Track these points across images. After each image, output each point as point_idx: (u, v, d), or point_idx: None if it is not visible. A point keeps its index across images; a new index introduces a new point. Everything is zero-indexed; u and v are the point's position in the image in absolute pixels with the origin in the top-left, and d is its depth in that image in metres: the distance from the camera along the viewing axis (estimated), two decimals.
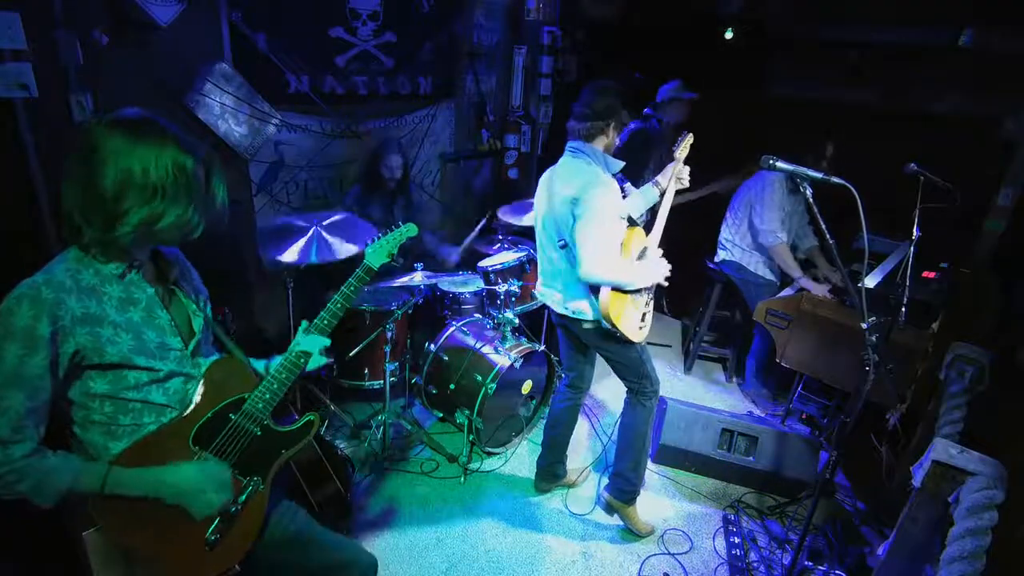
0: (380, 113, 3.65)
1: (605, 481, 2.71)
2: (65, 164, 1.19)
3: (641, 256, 2.30)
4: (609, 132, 2.18)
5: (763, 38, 4.88)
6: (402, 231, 1.71)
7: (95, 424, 1.27)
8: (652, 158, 3.91)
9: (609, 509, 2.63)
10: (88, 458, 1.26)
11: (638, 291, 2.20)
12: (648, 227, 2.38)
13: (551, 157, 4.68)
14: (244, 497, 1.37)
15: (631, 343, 2.25)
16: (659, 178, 2.39)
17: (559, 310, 2.34)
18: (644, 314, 2.28)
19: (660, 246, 2.35)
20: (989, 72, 3.99)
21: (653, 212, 2.44)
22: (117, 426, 1.27)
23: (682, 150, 2.39)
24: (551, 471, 2.76)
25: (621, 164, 2.21)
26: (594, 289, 2.16)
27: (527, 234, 3.54)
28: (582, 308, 2.25)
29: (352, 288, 1.56)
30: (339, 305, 1.54)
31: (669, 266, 2.26)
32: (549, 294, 2.38)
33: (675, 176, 2.36)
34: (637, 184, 3.94)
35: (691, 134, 2.42)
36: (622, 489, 2.55)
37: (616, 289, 2.11)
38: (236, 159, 3.00)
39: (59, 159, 2.35)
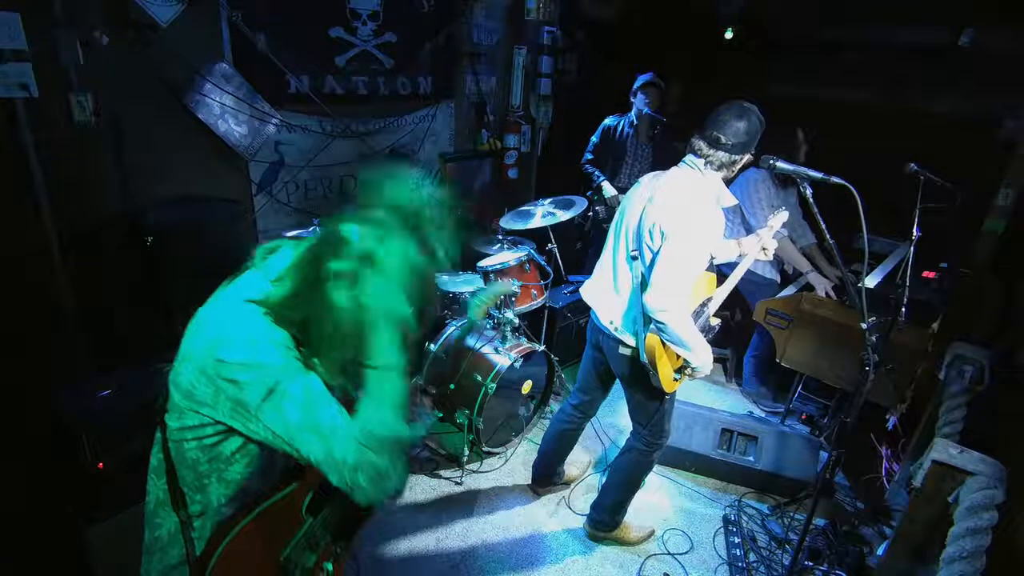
0: (380, 113, 3.65)
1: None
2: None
3: (703, 307, 2.15)
4: (735, 167, 1.94)
5: (763, 38, 4.88)
6: (499, 289, 1.57)
7: (223, 483, 1.11)
8: (628, 152, 3.93)
9: (594, 539, 2.53)
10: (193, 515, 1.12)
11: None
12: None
13: (551, 157, 4.72)
14: (330, 564, 1.30)
15: (659, 390, 2.08)
16: (744, 240, 2.25)
17: (602, 321, 2.13)
18: (683, 367, 2.11)
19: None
20: (989, 72, 3.99)
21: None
22: (242, 489, 1.14)
23: (775, 220, 2.24)
24: (547, 478, 2.76)
25: (734, 201, 2.00)
26: (647, 319, 1.96)
27: (526, 234, 3.55)
28: (623, 328, 2.07)
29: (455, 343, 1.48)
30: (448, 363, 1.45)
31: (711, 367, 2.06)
32: (598, 301, 2.17)
33: (761, 246, 2.20)
34: (613, 180, 3.94)
35: (786, 211, 2.28)
36: (600, 521, 2.48)
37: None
38: (236, 159, 3.00)
39: (59, 159, 2.36)
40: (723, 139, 1.86)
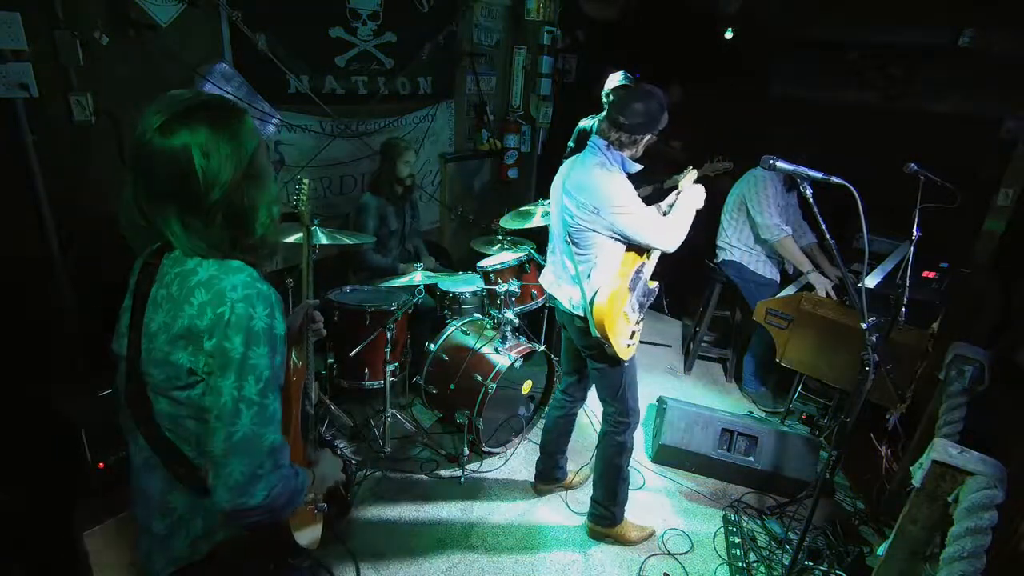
0: (380, 113, 3.65)
1: None
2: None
3: (638, 273, 2.23)
4: (637, 148, 2.12)
5: (763, 38, 4.89)
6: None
7: None
8: None
9: (594, 534, 2.55)
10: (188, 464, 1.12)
11: (632, 308, 2.17)
12: None
13: (551, 157, 4.72)
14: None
15: (618, 360, 2.19)
16: (662, 204, 2.40)
17: (564, 304, 2.25)
18: (633, 332, 2.23)
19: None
20: (989, 72, 4.00)
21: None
22: None
23: (687, 178, 2.39)
24: (549, 474, 2.76)
25: (638, 167, 2.17)
26: (590, 293, 2.12)
27: (526, 234, 3.56)
28: (579, 304, 2.19)
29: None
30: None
31: (703, 194, 2.24)
32: (555, 285, 2.30)
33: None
34: None
35: (695, 170, 2.44)
36: (599, 515, 2.50)
37: (613, 301, 2.08)
38: None
39: (59, 159, 2.36)
40: (622, 120, 2.03)
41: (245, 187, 1.04)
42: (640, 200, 2.10)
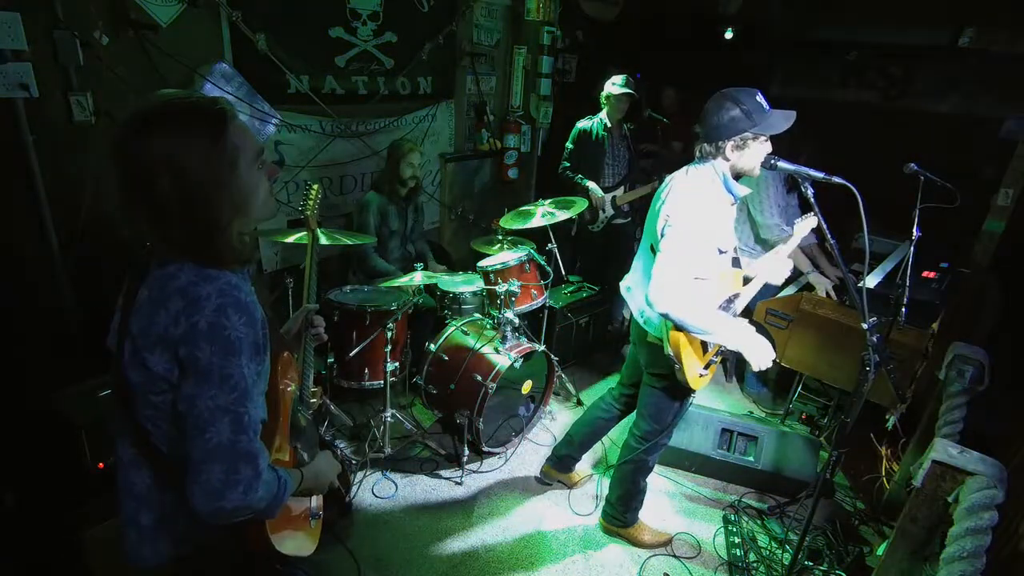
0: (380, 113, 3.65)
1: (607, 481, 2.70)
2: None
3: (729, 303, 2.12)
4: (726, 153, 1.89)
5: (763, 38, 4.89)
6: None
7: None
8: (607, 153, 3.92)
9: (607, 532, 2.56)
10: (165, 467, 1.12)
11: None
12: None
13: (551, 157, 4.73)
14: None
15: (681, 387, 2.07)
16: (757, 261, 2.25)
17: (635, 312, 2.16)
18: (710, 363, 2.10)
19: None
20: (989, 72, 4.00)
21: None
22: None
23: (802, 226, 2.14)
24: (565, 463, 2.74)
25: (746, 191, 1.99)
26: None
27: (526, 234, 3.55)
28: (652, 319, 2.07)
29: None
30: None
31: (771, 353, 1.96)
32: (631, 294, 2.20)
33: (771, 269, 2.15)
34: (597, 181, 3.93)
35: (814, 217, 2.04)
36: (611, 515, 2.51)
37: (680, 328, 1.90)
38: None
39: (59, 159, 2.36)
40: (698, 130, 1.93)
41: (223, 193, 1.03)
42: (707, 245, 1.91)
